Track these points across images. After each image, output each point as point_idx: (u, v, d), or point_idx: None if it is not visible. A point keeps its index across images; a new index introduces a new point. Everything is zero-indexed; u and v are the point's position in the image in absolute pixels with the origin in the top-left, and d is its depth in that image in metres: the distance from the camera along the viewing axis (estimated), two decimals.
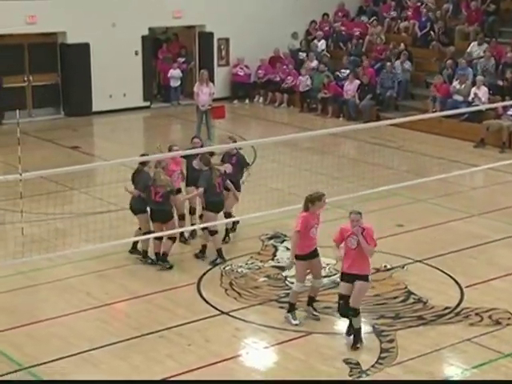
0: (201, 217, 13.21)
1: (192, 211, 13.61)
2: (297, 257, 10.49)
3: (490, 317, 10.83)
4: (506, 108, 19.81)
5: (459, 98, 21.25)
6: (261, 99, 25.61)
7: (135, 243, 12.68)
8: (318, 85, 24.08)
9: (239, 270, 12.38)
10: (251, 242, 13.45)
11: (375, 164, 17.75)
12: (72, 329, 10.52)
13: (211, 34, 25.39)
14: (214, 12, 24.81)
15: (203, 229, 12.78)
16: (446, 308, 11.09)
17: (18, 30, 22.02)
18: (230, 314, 10.96)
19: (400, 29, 25.97)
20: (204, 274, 12.24)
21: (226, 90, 25.65)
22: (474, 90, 20.94)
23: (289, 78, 25.03)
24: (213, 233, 12.61)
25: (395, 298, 11.45)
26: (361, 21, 27.06)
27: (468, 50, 23.05)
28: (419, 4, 26.04)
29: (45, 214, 14.45)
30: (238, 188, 13.36)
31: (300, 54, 26.22)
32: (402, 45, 24.34)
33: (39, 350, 9.93)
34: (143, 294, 11.53)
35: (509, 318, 10.79)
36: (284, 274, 12.18)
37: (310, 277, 10.81)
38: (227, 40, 25.64)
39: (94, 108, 23.53)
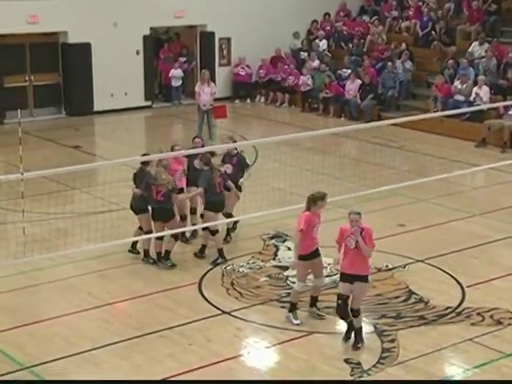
0: (202, 216, 13.21)
1: (193, 211, 13.61)
2: (298, 257, 10.49)
3: (491, 316, 10.83)
4: (507, 108, 19.79)
5: (460, 97, 21.24)
6: (262, 99, 25.61)
7: (135, 243, 12.68)
8: (319, 84, 24.08)
9: (240, 269, 12.38)
10: (252, 241, 13.45)
11: (377, 164, 17.74)
12: (73, 328, 10.53)
13: (212, 34, 25.39)
14: (216, 12, 24.82)
15: (204, 229, 12.79)
16: (448, 308, 11.09)
17: (20, 29, 22.03)
18: (232, 313, 10.96)
19: (401, 28, 25.96)
20: (205, 273, 12.24)
21: (228, 89, 25.65)
22: (475, 89, 20.93)
23: (290, 77, 25.03)
24: (213, 232, 12.61)
25: (396, 297, 11.45)
26: (362, 20, 27.05)
27: (469, 49, 23.04)
28: (421, 3, 26.03)
29: (46, 213, 14.46)
30: (239, 188, 13.37)
31: (301, 53, 26.21)
32: (404, 44, 24.33)
33: (41, 350, 9.94)
34: (144, 293, 11.53)
35: (510, 318, 10.78)
36: (285, 273, 12.19)
37: (311, 276, 10.82)
38: (228, 40, 25.65)
39: (96, 108, 23.54)
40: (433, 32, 24.69)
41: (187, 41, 26.07)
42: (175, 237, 12.47)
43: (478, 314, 10.90)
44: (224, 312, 11.00)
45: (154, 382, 9.39)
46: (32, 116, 22.84)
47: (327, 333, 10.36)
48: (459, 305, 11.19)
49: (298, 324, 10.57)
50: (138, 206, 12.60)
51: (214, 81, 21.98)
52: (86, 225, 13.71)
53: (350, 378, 9.36)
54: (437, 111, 20.38)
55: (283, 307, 10.99)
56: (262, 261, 12.72)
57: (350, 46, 25.91)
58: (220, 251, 12.64)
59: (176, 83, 25.01)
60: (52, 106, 23.52)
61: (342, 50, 26.17)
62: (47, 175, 13.50)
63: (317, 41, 26.44)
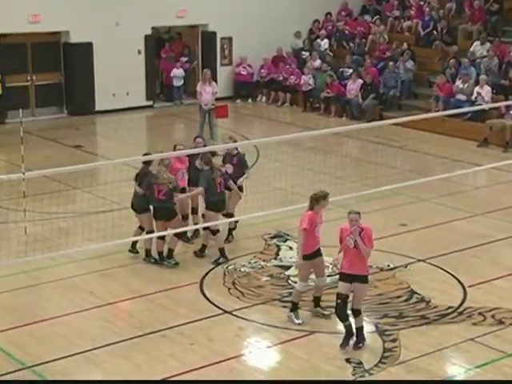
0: (203, 217, 13.20)
1: (194, 211, 13.61)
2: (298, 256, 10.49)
3: (493, 316, 10.82)
4: (509, 107, 19.77)
5: (462, 97, 21.24)
6: (264, 98, 25.61)
7: (135, 242, 12.68)
8: (320, 84, 24.07)
9: (242, 269, 12.38)
10: (254, 241, 13.45)
11: (378, 163, 17.74)
12: (75, 328, 10.53)
13: (214, 34, 25.40)
14: (217, 11, 24.82)
15: (205, 228, 12.78)
16: (449, 307, 11.08)
17: (22, 29, 22.04)
18: (233, 313, 10.96)
19: (403, 28, 25.96)
20: (207, 273, 12.25)
21: (229, 89, 25.66)
22: (477, 89, 20.92)
23: (292, 77, 25.03)
24: (214, 232, 12.60)
25: (398, 297, 11.44)
26: (364, 20, 27.04)
27: (471, 49, 23.03)
28: (422, 3, 26.02)
29: (48, 213, 14.47)
30: (240, 188, 13.37)
31: (303, 53, 26.21)
32: (405, 44, 24.32)
33: (42, 349, 9.94)
34: (146, 293, 11.53)
35: None
36: (287, 273, 12.19)
37: (312, 276, 10.82)
38: (230, 39, 25.65)
39: (97, 107, 23.54)
40: (434, 31, 24.69)
41: (189, 40, 26.07)
42: (177, 235, 12.47)
43: (480, 313, 10.90)
44: (225, 311, 11.00)
45: (155, 382, 9.38)
46: (34, 115, 22.85)
47: (329, 332, 10.35)
48: (461, 304, 11.19)
49: (299, 324, 10.57)
50: (139, 206, 12.60)
51: (215, 80, 21.94)
52: (87, 224, 13.71)
53: (352, 378, 9.36)
54: (438, 111, 20.36)
55: (285, 307, 10.99)
56: (264, 260, 12.72)
57: (352, 45, 25.91)
58: (221, 251, 12.64)
59: (177, 83, 25.01)
60: (54, 105, 23.53)
61: (343, 49, 26.17)
62: (49, 175, 13.50)
63: (318, 40, 26.44)
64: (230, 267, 12.42)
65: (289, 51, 26.26)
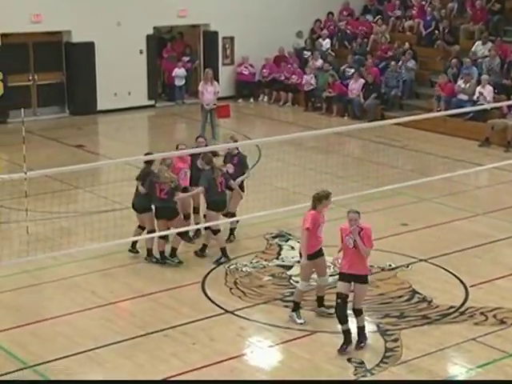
0: (205, 216, 13.20)
1: (196, 210, 13.61)
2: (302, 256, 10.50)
3: (494, 316, 10.82)
4: (510, 107, 19.75)
5: (464, 97, 21.22)
6: (265, 98, 25.61)
7: (135, 242, 12.69)
8: (322, 84, 24.07)
9: (244, 268, 12.39)
10: (256, 240, 13.46)
11: (380, 163, 17.74)
12: (77, 327, 10.54)
13: (216, 33, 25.40)
14: (219, 11, 24.82)
15: (206, 228, 12.79)
16: (451, 307, 11.08)
17: (23, 28, 22.06)
18: (235, 312, 10.97)
19: (405, 28, 25.94)
20: (209, 272, 12.25)
21: (231, 88, 25.66)
22: (478, 88, 20.91)
23: (293, 76, 25.03)
24: (215, 232, 12.61)
25: (400, 297, 11.45)
26: (365, 20, 27.04)
27: (472, 49, 23.01)
28: (424, 3, 26.02)
29: (49, 212, 14.48)
30: (241, 188, 13.37)
31: (305, 52, 26.22)
32: (407, 44, 24.31)
33: (44, 349, 9.95)
34: (148, 292, 11.54)
35: None
36: (288, 272, 12.20)
37: (314, 276, 10.82)
38: (232, 39, 25.65)
39: (99, 107, 23.55)
40: (436, 31, 24.67)
41: (190, 40, 26.07)
42: (179, 235, 12.48)
43: (482, 313, 10.90)
44: (227, 311, 11.01)
45: (157, 381, 9.39)
46: (35, 115, 22.87)
47: (330, 332, 10.35)
48: (462, 304, 11.19)
49: (301, 323, 10.58)
50: (141, 205, 12.61)
51: (217, 80, 21.96)
52: (89, 224, 13.72)
53: (353, 378, 9.37)
54: (440, 110, 20.36)
55: (286, 306, 11.00)
56: (266, 260, 12.72)
57: (354, 45, 25.89)
58: (223, 250, 12.64)
59: (179, 82, 25.02)
60: (55, 105, 23.54)
61: (345, 49, 26.16)
62: (51, 174, 13.50)
63: (320, 40, 26.43)
64: (231, 267, 12.43)
65: (291, 51, 26.26)
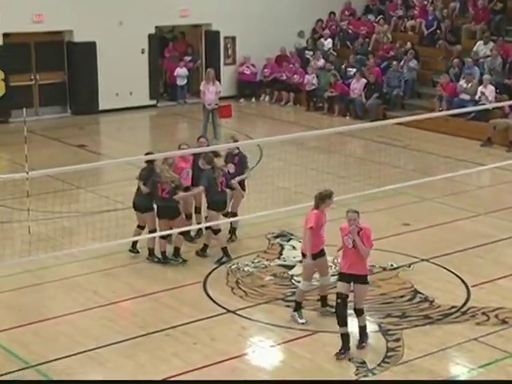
0: (206, 217, 13.21)
1: (197, 210, 13.61)
2: (305, 256, 10.48)
3: (496, 316, 10.82)
4: None
5: (466, 96, 21.22)
6: (267, 98, 25.60)
7: (135, 242, 12.69)
8: (324, 84, 24.06)
9: (245, 268, 12.39)
10: (257, 240, 13.46)
11: (382, 163, 17.74)
12: (78, 327, 10.55)
13: (217, 33, 25.39)
14: (221, 11, 24.81)
15: (207, 228, 12.79)
16: (453, 307, 11.08)
17: (25, 28, 22.07)
18: (236, 312, 10.97)
19: (406, 27, 25.94)
20: (210, 272, 12.25)
21: (233, 88, 25.66)
22: (480, 88, 20.90)
23: (295, 76, 25.02)
24: (216, 232, 12.61)
25: (401, 296, 11.44)
26: (367, 19, 27.03)
27: (474, 48, 23.00)
28: (426, 2, 26.01)
29: (51, 212, 14.48)
30: (242, 187, 13.37)
31: (306, 52, 26.20)
32: (409, 43, 24.30)
33: (46, 348, 9.96)
34: (149, 292, 11.55)
35: None
36: (290, 272, 12.20)
37: (315, 275, 10.82)
38: (233, 39, 25.65)
39: (101, 106, 23.56)
40: (438, 31, 24.66)
41: (192, 40, 26.08)
42: (182, 234, 12.48)
43: (483, 313, 10.89)
44: (229, 311, 11.01)
45: (159, 381, 9.38)
46: (37, 115, 22.88)
47: (332, 332, 10.33)
48: (464, 304, 11.18)
49: (302, 323, 10.58)
50: (143, 205, 12.62)
51: (218, 80, 21.97)
52: (91, 224, 13.73)
53: (355, 378, 9.36)
54: (442, 110, 20.35)
55: (288, 306, 10.99)
56: (267, 260, 12.72)
57: (355, 45, 25.88)
58: (224, 250, 12.64)
59: (181, 82, 25.02)
60: (57, 104, 23.55)
61: (347, 49, 26.15)
62: (52, 174, 13.52)
63: (322, 40, 26.43)
64: (233, 266, 12.43)
65: (292, 51, 26.25)
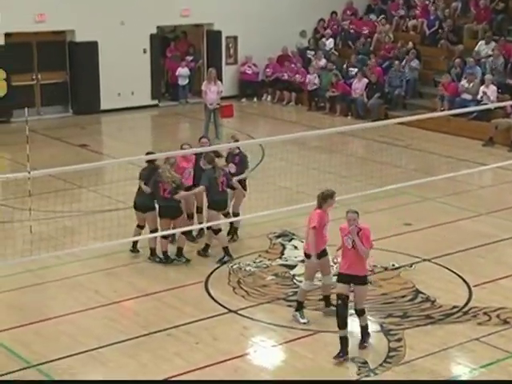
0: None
1: (199, 210, 13.61)
2: (308, 256, 10.48)
3: (498, 316, 10.81)
4: None
5: (468, 96, 21.21)
6: (269, 98, 25.60)
7: (136, 242, 12.69)
8: (326, 83, 24.06)
9: (247, 268, 12.39)
10: (259, 240, 13.46)
11: (383, 163, 17.73)
12: (80, 327, 10.55)
13: (219, 33, 25.40)
14: (223, 10, 24.81)
15: (208, 228, 12.79)
16: (454, 307, 11.07)
17: (27, 28, 22.07)
18: (238, 312, 10.97)
19: (408, 27, 25.92)
20: (212, 272, 12.25)
21: (234, 88, 25.65)
22: (482, 88, 20.89)
23: (297, 76, 25.02)
24: (216, 231, 12.61)
25: (403, 296, 11.44)
26: (369, 19, 27.01)
27: (476, 48, 22.99)
28: (428, 2, 26.00)
29: (53, 211, 14.49)
30: (243, 187, 13.37)
31: (308, 52, 26.20)
32: (411, 43, 24.29)
33: (47, 348, 9.96)
34: (151, 292, 11.55)
35: None
36: (292, 272, 12.20)
37: (317, 275, 10.82)
38: (235, 38, 25.65)
39: (102, 106, 23.56)
40: (440, 31, 24.65)
41: (194, 39, 26.07)
42: (184, 233, 12.49)
43: (485, 313, 10.89)
44: (230, 311, 11.01)
45: (160, 381, 9.39)
46: (39, 114, 22.88)
47: (334, 332, 10.33)
48: (466, 304, 11.18)
49: (304, 323, 10.58)
50: (145, 204, 12.62)
51: (220, 79, 21.97)
52: (92, 223, 13.74)
53: (357, 377, 9.36)
54: (444, 110, 20.34)
55: (290, 306, 10.99)
56: (269, 259, 12.72)
57: (357, 44, 25.88)
58: (225, 249, 12.64)
59: (183, 82, 25.01)
60: (59, 104, 23.56)
61: (348, 48, 26.14)
62: (54, 174, 13.52)
63: (323, 40, 26.42)
64: (234, 266, 12.43)
65: (294, 50, 26.25)
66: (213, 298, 11.37)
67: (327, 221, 10.47)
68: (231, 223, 13.29)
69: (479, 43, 23.16)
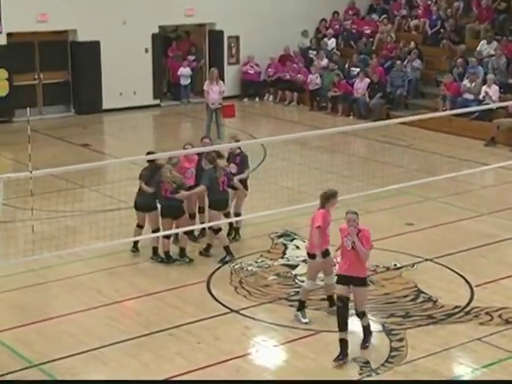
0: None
1: (201, 210, 13.61)
2: (311, 255, 10.48)
3: (500, 316, 10.81)
4: None
5: (469, 96, 21.20)
6: (271, 97, 25.60)
7: (136, 241, 12.70)
8: (328, 83, 24.06)
9: (249, 268, 12.39)
10: (261, 240, 13.45)
11: (385, 162, 17.73)
12: (82, 326, 10.55)
13: (221, 32, 25.40)
14: (225, 10, 24.82)
15: (209, 228, 12.79)
16: (456, 307, 11.07)
17: (29, 28, 22.09)
18: (240, 312, 10.97)
19: (410, 27, 25.93)
20: (214, 272, 12.26)
21: (236, 88, 25.66)
22: (484, 88, 20.89)
23: (299, 76, 25.02)
24: (216, 231, 12.61)
25: (405, 296, 11.44)
26: (371, 19, 27.03)
27: (478, 48, 22.98)
28: (430, 2, 25.99)
29: (55, 211, 14.50)
30: (245, 186, 13.37)
31: (310, 52, 26.21)
32: (413, 43, 24.29)
33: (49, 348, 9.97)
34: (153, 291, 11.55)
35: None
36: (293, 272, 12.20)
37: (320, 275, 10.82)
38: (237, 38, 25.66)
39: (104, 106, 23.57)
40: (442, 30, 24.65)
41: (196, 39, 26.08)
42: (186, 233, 12.49)
43: (487, 313, 10.88)
44: (232, 310, 11.01)
45: (162, 381, 9.39)
46: (41, 114, 22.90)
47: (335, 331, 10.32)
48: (468, 304, 11.18)
49: (306, 323, 10.58)
50: (147, 204, 12.62)
51: (222, 79, 21.95)
52: (94, 223, 13.74)
53: (358, 377, 9.36)
54: (445, 110, 20.33)
55: (292, 306, 10.99)
56: (271, 259, 12.72)
57: (359, 44, 25.87)
58: (226, 249, 12.64)
59: (185, 82, 25.03)
60: (61, 104, 23.58)
61: (350, 48, 26.13)
62: (56, 173, 13.52)
63: (325, 39, 26.42)
64: (236, 266, 12.43)
65: (296, 50, 26.26)
66: (214, 298, 11.37)
67: (330, 221, 10.47)
68: (230, 223, 13.29)
69: (481, 43, 23.15)
